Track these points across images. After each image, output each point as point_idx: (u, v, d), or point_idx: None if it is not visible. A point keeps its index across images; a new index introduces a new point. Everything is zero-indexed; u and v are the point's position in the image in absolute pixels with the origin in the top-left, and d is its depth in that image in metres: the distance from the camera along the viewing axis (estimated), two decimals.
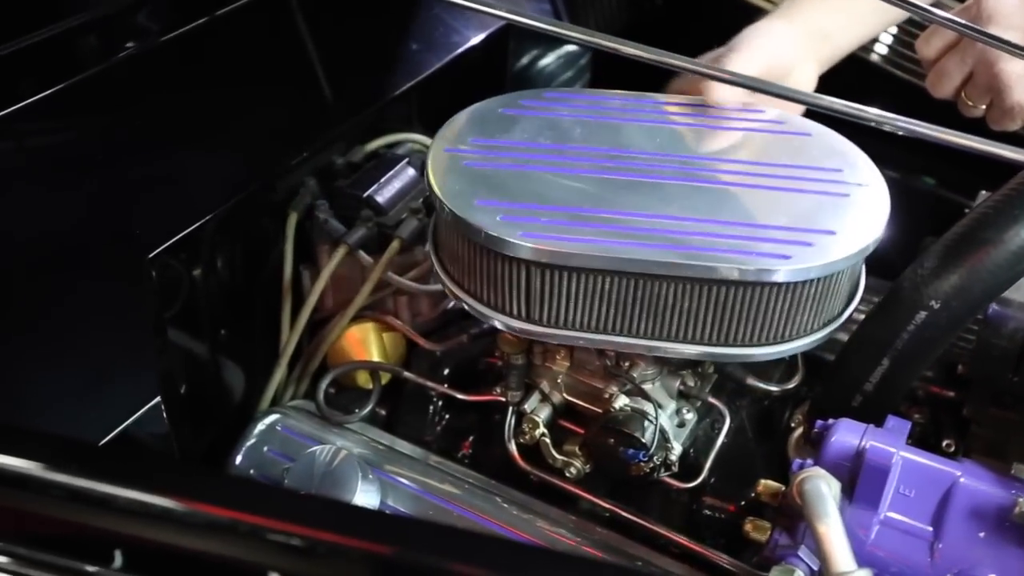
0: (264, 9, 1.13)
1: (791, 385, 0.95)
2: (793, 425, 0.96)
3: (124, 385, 0.78)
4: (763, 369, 1.00)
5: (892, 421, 0.76)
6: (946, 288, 0.77)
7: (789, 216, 0.79)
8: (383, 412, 1.04)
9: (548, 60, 1.37)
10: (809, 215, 0.80)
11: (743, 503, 0.91)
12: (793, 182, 0.84)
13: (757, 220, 0.79)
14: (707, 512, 0.91)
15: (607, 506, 0.90)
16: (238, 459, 0.97)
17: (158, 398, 0.78)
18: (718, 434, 0.91)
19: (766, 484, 0.72)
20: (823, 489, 0.62)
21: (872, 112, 0.71)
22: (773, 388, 0.96)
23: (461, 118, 0.91)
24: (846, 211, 0.81)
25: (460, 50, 1.20)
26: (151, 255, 0.84)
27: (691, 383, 0.91)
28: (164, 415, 0.80)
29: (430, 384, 0.98)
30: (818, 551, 0.59)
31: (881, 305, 0.83)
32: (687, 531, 0.89)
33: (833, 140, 0.89)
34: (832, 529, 0.59)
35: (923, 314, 0.79)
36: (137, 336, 0.82)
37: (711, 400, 0.91)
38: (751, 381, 0.95)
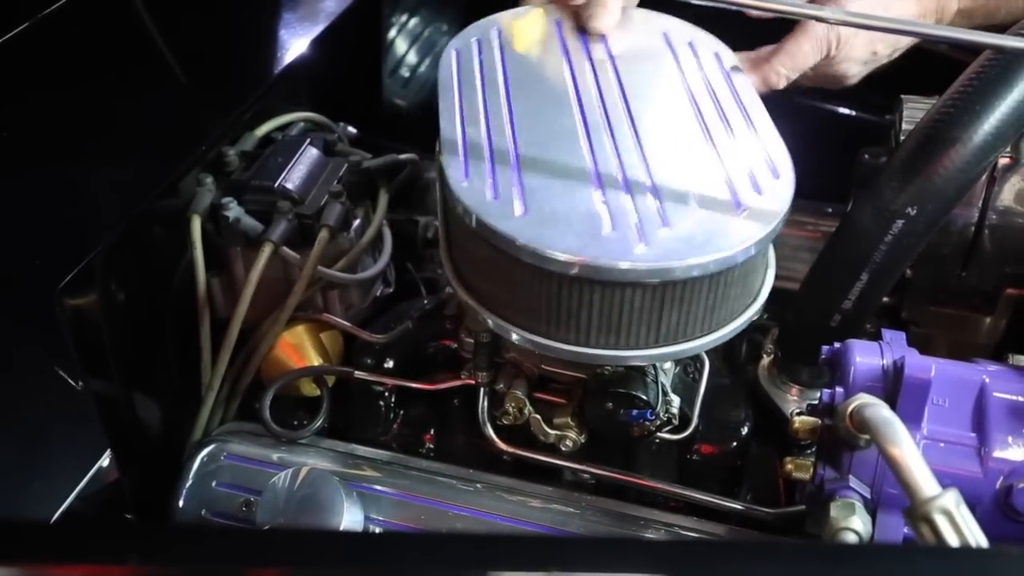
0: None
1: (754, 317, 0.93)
2: (766, 354, 0.95)
3: (67, 445, 0.66)
4: None
5: (888, 334, 0.75)
6: (921, 192, 0.77)
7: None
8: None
9: (421, 16, 1.29)
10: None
11: (735, 444, 0.88)
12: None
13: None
14: (699, 460, 0.89)
15: (604, 473, 0.85)
16: (181, 502, 0.86)
17: (108, 452, 0.67)
18: (695, 379, 0.88)
19: (803, 420, 0.69)
20: (887, 413, 0.59)
21: None
22: None
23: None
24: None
25: (336, 16, 1.10)
26: (59, 287, 0.71)
27: None
28: (116, 468, 0.68)
29: (387, 380, 0.90)
30: (898, 477, 0.56)
31: (851, 221, 0.82)
32: (683, 482, 0.86)
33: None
34: (908, 453, 0.56)
35: (900, 223, 0.78)
36: (64, 385, 0.70)
37: None
38: None
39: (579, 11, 0.88)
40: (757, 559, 0.38)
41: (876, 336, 0.76)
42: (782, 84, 0.91)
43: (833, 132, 1.27)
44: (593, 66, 0.84)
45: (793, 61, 0.90)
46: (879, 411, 0.59)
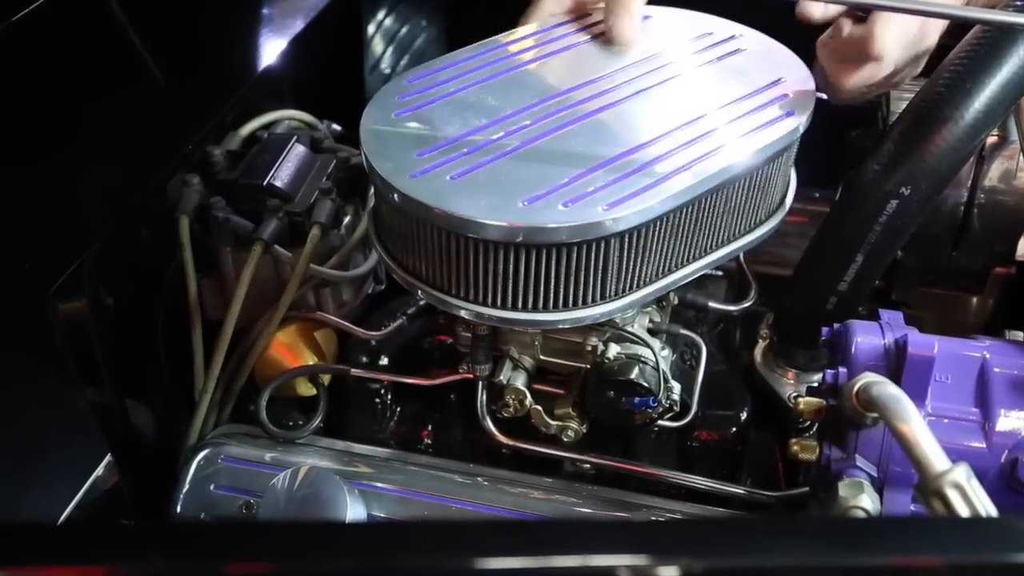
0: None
1: (748, 303, 0.94)
2: (761, 340, 0.96)
3: (64, 452, 0.65)
4: (711, 291, 0.98)
5: (887, 314, 0.75)
6: (915, 172, 0.77)
7: (747, 84, 0.80)
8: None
9: (400, 12, 1.28)
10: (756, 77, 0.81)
11: (734, 429, 0.88)
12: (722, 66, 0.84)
13: (723, 101, 0.78)
14: (699, 446, 0.89)
15: (605, 462, 0.85)
16: (179, 507, 0.84)
17: (108, 456, 0.65)
18: (693, 365, 0.88)
19: (807, 401, 0.69)
20: (895, 390, 0.59)
21: None
22: (732, 308, 0.93)
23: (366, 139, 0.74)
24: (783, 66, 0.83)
25: (316, 14, 1.09)
26: (52, 290, 0.70)
27: (657, 318, 0.87)
28: (114, 474, 0.67)
29: (384, 376, 0.89)
30: (908, 453, 0.56)
31: (845, 202, 0.82)
32: (684, 469, 0.86)
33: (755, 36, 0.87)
34: (918, 429, 0.56)
35: (894, 203, 0.78)
36: (59, 392, 0.69)
37: (683, 331, 0.88)
38: (712, 304, 0.92)
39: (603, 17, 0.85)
40: (788, 535, 0.37)
41: (867, 319, 0.77)
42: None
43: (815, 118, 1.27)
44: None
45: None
46: (886, 388, 0.60)
